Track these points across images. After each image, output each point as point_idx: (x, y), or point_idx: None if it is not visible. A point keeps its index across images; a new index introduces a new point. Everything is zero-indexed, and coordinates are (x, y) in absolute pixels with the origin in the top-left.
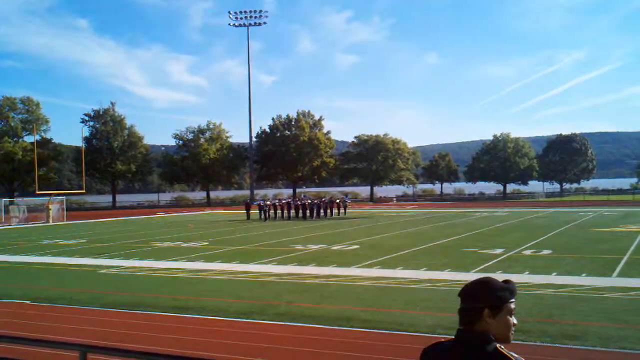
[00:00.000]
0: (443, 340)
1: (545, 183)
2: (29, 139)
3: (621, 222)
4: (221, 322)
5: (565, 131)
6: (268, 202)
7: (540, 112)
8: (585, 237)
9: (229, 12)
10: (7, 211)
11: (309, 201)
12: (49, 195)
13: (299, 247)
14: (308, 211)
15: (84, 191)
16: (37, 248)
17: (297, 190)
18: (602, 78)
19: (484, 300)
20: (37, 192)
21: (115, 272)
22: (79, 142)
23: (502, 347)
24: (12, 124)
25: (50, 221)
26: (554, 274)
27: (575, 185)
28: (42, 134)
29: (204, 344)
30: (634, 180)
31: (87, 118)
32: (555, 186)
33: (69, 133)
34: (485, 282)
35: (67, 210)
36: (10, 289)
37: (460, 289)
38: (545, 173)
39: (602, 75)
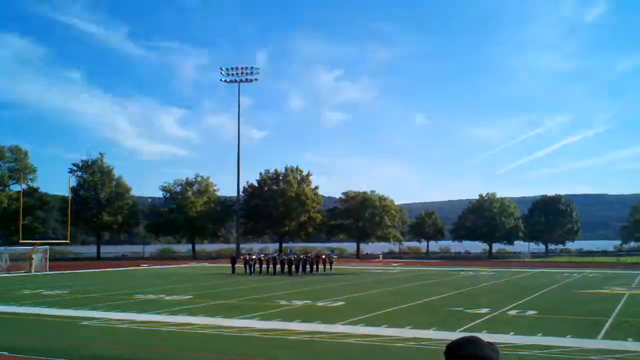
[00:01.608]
0: None
1: (530, 243)
2: (15, 187)
3: (605, 284)
4: None
5: (551, 192)
6: (254, 257)
7: (526, 173)
8: (570, 298)
9: (221, 68)
10: None
11: (295, 256)
12: (33, 244)
13: (284, 302)
14: (294, 266)
15: (68, 241)
16: (17, 298)
17: (284, 245)
18: (586, 141)
19: (479, 357)
20: (21, 241)
21: (96, 324)
22: (66, 192)
23: None
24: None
25: (33, 271)
26: (540, 334)
27: (560, 246)
28: (29, 182)
29: None
30: (617, 242)
31: (75, 168)
32: (541, 246)
33: (56, 183)
34: (474, 340)
35: (50, 260)
36: None
37: (444, 347)
38: (530, 233)
39: (586, 138)
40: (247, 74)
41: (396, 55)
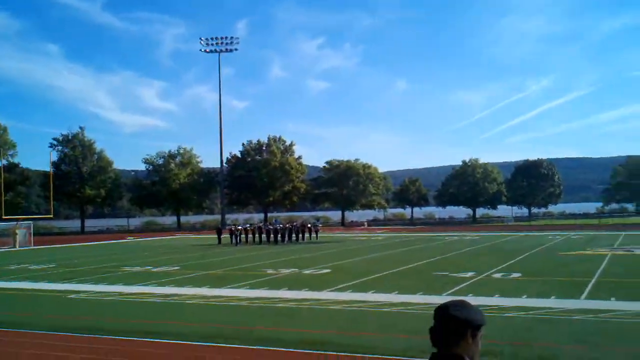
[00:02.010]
0: None
1: (513, 207)
2: None
3: (588, 246)
4: (193, 347)
5: (533, 157)
6: (239, 227)
7: (509, 138)
8: (553, 260)
9: (200, 39)
10: None
11: (281, 226)
12: (16, 220)
13: (271, 271)
14: (279, 235)
15: (51, 216)
16: (3, 273)
17: (269, 214)
18: (569, 105)
19: (467, 321)
20: (4, 217)
21: (84, 297)
22: (47, 167)
23: None
24: None
25: (17, 246)
26: (524, 296)
27: (543, 209)
28: (9, 158)
29: None
30: (599, 204)
31: (55, 143)
32: (524, 210)
33: (37, 158)
34: (465, 304)
35: (34, 235)
36: None
37: (432, 311)
38: (513, 198)
39: (569, 102)
40: (227, 43)
41: (378, 22)
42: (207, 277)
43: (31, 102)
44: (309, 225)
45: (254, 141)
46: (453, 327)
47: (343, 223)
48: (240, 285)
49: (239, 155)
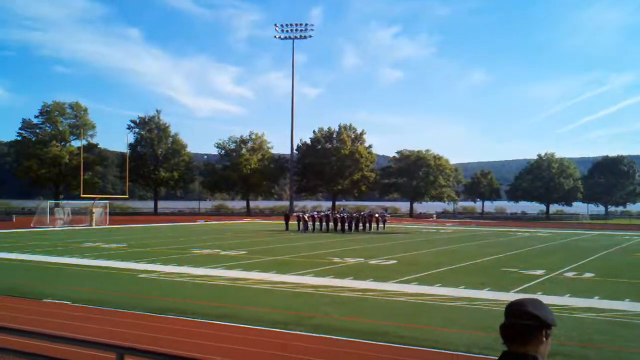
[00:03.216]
0: None
1: (589, 205)
2: (75, 143)
3: None
4: (256, 331)
5: (613, 153)
6: (307, 214)
7: (587, 134)
8: (629, 261)
9: (275, 25)
10: (52, 213)
11: (348, 214)
12: (93, 199)
13: (337, 259)
14: (347, 224)
15: (127, 196)
16: (79, 250)
17: (337, 203)
18: None
19: (544, 319)
20: (82, 195)
21: (154, 277)
22: (123, 148)
23: None
24: (60, 128)
25: (93, 224)
26: (596, 297)
27: (621, 208)
28: (89, 139)
29: (238, 352)
30: None
31: (132, 125)
32: (600, 208)
33: (114, 139)
34: (540, 302)
35: (109, 214)
36: (52, 289)
37: (501, 308)
38: (590, 195)
39: None
40: (301, 30)
41: (455, 10)
42: (273, 262)
43: (111, 84)
44: (377, 215)
45: (325, 129)
46: (529, 325)
47: (411, 214)
48: (306, 273)
49: (309, 142)
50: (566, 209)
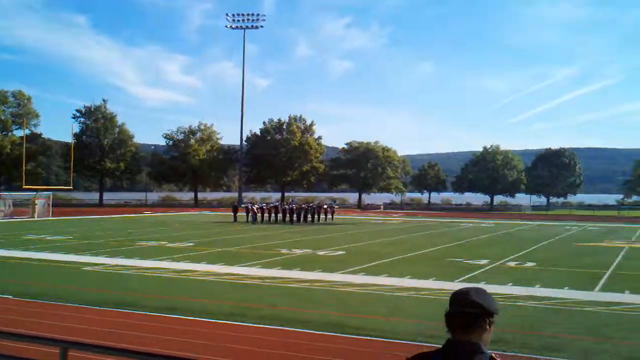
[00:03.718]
0: (426, 351)
1: (532, 196)
2: (18, 133)
3: (605, 238)
4: (203, 323)
5: (555, 145)
6: (256, 206)
7: (531, 126)
8: (569, 250)
9: (227, 14)
10: None
11: (297, 206)
12: (36, 190)
13: (285, 251)
14: (295, 215)
15: (71, 187)
16: (21, 243)
17: (286, 194)
18: (594, 94)
19: (487, 307)
20: (24, 186)
21: (99, 270)
22: (68, 138)
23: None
24: (2, 117)
25: (36, 216)
26: (537, 286)
27: (562, 199)
28: (32, 128)
29: (184, 344)
30: (620, 196)
31: (78, 114)
32: (542, 199)
33: (59, 129)
34: (483, 291)
35: (53, 206)
36: None
37: (446, 297)
38: (532, 186)
39: (594, 91)
40: (253, 20)
41: (406, 2)
42: (221, 254)
43: (56, 72)
44: (325, 207)
45: (275, 120)
46: (474, 314)
47: (359, 205)
48: (254, 264)
49: (259, 133)
50: (510, 200)
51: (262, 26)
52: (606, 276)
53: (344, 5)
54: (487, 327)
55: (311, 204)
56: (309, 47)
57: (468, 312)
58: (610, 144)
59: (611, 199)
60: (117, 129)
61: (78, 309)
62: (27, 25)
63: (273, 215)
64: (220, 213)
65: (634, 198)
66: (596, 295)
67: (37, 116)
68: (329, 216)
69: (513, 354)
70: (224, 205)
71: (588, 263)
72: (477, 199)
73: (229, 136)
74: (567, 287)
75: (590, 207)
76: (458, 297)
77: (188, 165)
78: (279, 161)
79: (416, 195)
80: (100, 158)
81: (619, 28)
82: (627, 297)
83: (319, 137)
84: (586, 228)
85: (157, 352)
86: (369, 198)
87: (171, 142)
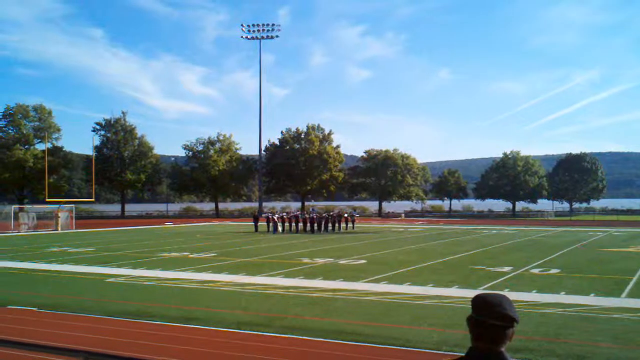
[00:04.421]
0: (450, 359)
1: (554, 202)
2: (40, 146)
3: (631, 243)
4: (227, 334)
5: (576, 150)
6: (276, 215)
7: (552, 131)
8: (594, 257)
9: (242, 25)
10: (16, 218)
11: (317, 215)
12: (59, 203)
13: (306, 260)
14: (316, 225)
15: (93, 200)
16: (45, 255)
17: (306, 203)
18: (614, 98)
19: (513, 317)
20: (47, 199)
21: (122, 281)
22: (89, 151)
23: None
24: (24, 132)
25: (59, 229)
26: (562, 293)
27: (584, 204)
28: (54, 142)
29: (208, 355)
30: None
31: (98, 127)
32: (565, 205)
33: (80, 142)
34: (509, 300)
35: (75, 218)
36: (17, 295)
37: (469, 305)
38: (554, 192)
39: (615, 95)
40: (268, 30)
41: (421, 9)
42: (243, 264)
43: (76, 86)
44: (346, 215)
45: (293, 129)
46: (504, 325)
47: (380, 214)
48: (275, 274)
49: (277, 143)
50: (532, 206)
51: (277, 36)
52: (632, 282)
53: (358, 14)
54: (511, 337)
55: (332, 213)
56: (325, 55)
57: (499, 324)
58: (632, 147)
59: (635, 203)
60: (137, 141)
61: (101, 320)
62: (46, 39)
63: (294, 224)
64: (241, 223)
65: None
66: (623, 302)
67: (58, 130)
68: (350, 225)
69: None
70: (245, 216)
71: (614, 269)
72: (498, 205)
73: (248, 146)
74: (592, 294)
75: (614, 212)
76: (491, 308)
77: (208, 175)
78: (298, 170)
79: (437, 202)
80: (121, 170)
81: (636, 32)
82: None
83: (338, 146)
84: (611, 233)
85: None
86: (389, 206)
87: (191, 153)
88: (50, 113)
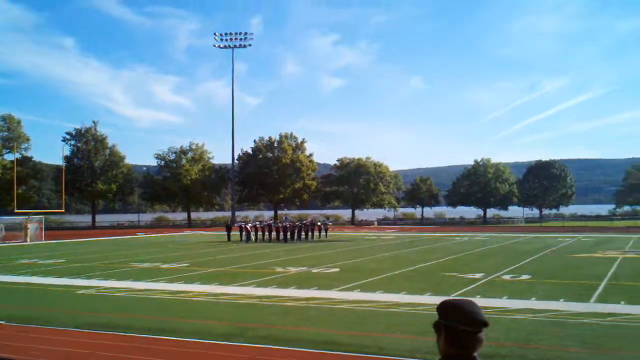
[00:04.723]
0: None
1: (525, 208)
2: (9, 157)
3: (599, 248)
4: (199, 345)
5: (546, 157)
6: (249, 224)
7: (522, 138)
8: (563, 262)
9: (215, 34)
10: None
11: (290, 223)
12: (27, 214)
13: (280, 269)
14: (289, 233)
15: (62, 210)
16: (13, 267)
17: (279, 212)
18: (584, 106)
19: (485, 322)
20: (16, 210)
21: (93, 293)
22: (59, 161)
23: None
24: None
25: (28, 240)
26: (533, 298)
27: (554, 210)
28: (23, 152)
29: None
30: (612, 206)
31: (68, 137)
32: (535, 212)
33: (51, 152)
34: (475, 303)
35: (45, 229)
36: None
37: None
38: (525, 198)
39: (584, 102)
40: (240, 39)
41: (393, 18)
42: (215, 274)
43: (46, 95)
44: (319, 224)
45: (266, 138)
46: (474, 331)
47: (353, 222)
48: (249, 283)
49: (250, 152)
50: (502, 213)
51: (250, 45)
52: (601, 287)
53: (331, 23)
54: (482, 340)
55: (304, 222)
56: (298, 64)
57: (474, 330)
58: (600, 154)
59: (603, 209)
60: (108, 151)
61: (71, 333)
62: (16, 49)
63: (267, 233)
64: (214, 233)
65: (626, 208)
66: (592, 306)
67: (27, 140)
68: (323, 233)
69: None
70: (218, 225)
71: (583, 274)
72: (470, 212)
73: (221, 155)
74: (562, 299)
75: (582, 217)
76: (462, 314)
77: (180, 185)
78: (271, 179)
79: (409, 210)
80: (92, 180)
81: (608, 39)
82: (622, 308)
83: (311, 154)
84: (580, 239)
85: None
86: (362, 214)
87: (163, 162)
88: (19, 123)
